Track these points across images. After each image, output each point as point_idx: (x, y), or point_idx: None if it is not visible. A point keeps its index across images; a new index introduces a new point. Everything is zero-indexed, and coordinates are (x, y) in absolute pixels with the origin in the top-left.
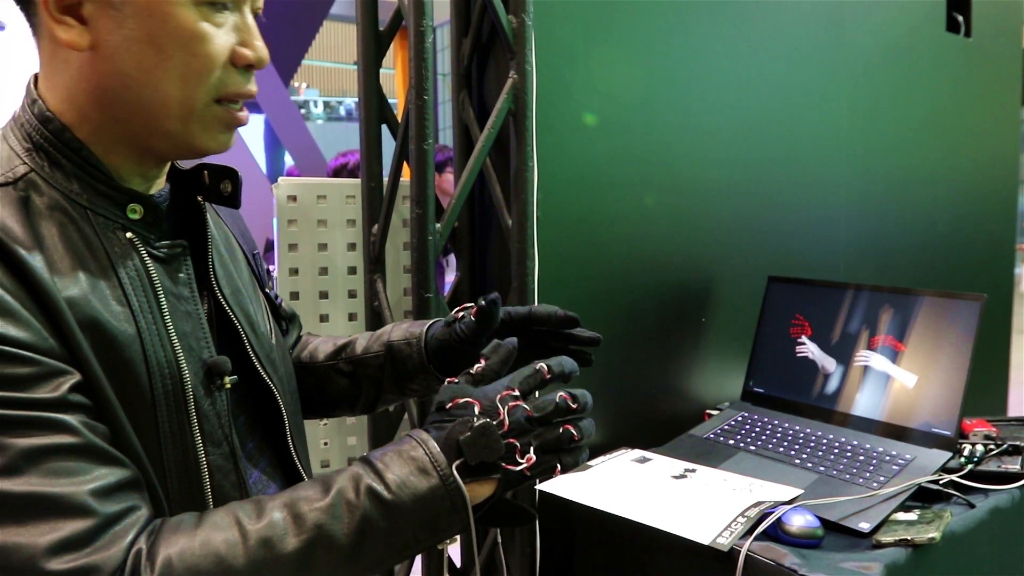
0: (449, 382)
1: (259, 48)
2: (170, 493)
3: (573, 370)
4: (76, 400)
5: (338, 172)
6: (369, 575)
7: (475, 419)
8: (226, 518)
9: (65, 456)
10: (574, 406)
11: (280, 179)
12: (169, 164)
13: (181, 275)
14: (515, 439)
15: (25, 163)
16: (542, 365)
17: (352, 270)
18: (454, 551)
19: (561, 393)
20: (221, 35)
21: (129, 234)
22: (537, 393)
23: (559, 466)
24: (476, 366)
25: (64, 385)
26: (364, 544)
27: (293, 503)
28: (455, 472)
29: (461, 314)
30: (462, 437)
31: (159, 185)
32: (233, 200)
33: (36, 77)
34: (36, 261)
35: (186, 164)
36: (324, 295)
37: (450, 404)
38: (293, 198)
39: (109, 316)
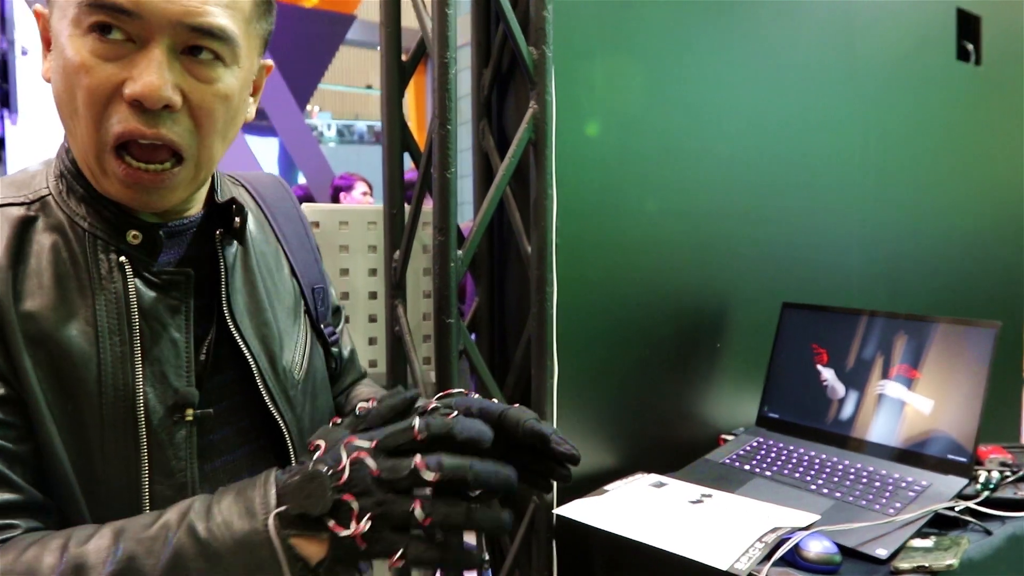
0: (333, 422)
1: (139, 81)
2: (108, 516)
3: (473, 437)
4: None
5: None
6: None
7: (311, 463)
8: (61, 539)
9: None
10: (429, 478)
11: (304, 205)
12: (205, 191)
13: (174, 302)
14: (352, 497)
15: (48, 187)
16: (416, 421)
17: (373, 295)
18: (472, 575)
19: (417, 458)
20: (108, 68)
21: (123, 258)
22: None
23: (401, 553)
24: (362, 405)
25: None
26: None
27: (122, 530)
28: (272, 519)
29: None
30: (288, 481)
31: (185, 212)
32: (239, 235)
33: None
34: None
35: (228, 192)
36: (345, 320)
37: (312, 446)
38: (316, 224)
39: (69, 333)
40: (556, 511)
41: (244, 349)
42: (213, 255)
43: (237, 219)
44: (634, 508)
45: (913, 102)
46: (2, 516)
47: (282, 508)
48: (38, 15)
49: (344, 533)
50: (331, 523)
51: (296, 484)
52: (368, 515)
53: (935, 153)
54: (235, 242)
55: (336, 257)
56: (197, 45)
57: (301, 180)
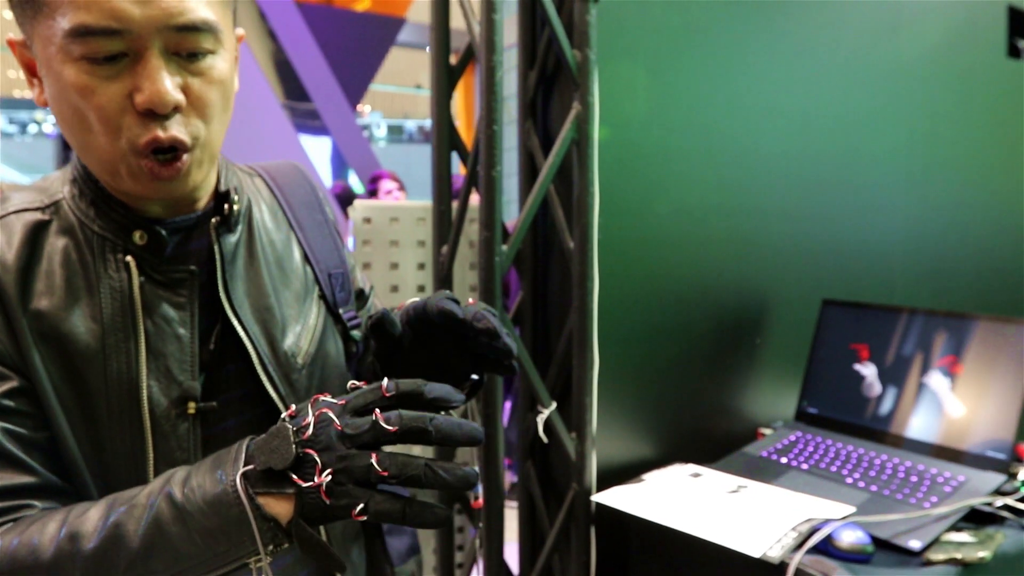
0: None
1: (146, 91)
2: None
3: (441, 396)
4: (5, 404)
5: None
6: None
7: (280, 422)
8: (64, 512)
9: None
10: (390, 429)
11: (356, 202)
12: (213, 183)
13: (180, 299)
14: (315, 451)
15: (62, 192)
16: (386, 382)
17: (421, 288)
18: (512, 559)
19: (377, 411)
20: (112, 87)
21: (129, 257)
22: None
23: (363, 507)
24: (352, 383)
25: None
26: (154, 549)
27: (115, 500)
28: (239, 478)
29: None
30: (257, 439)
31: (195, 205)
32: (233, 223)
33: None
34: (8, 278)
35: (225, 184)
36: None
37: (289, 411)
38: (368, 220)
39: (76, 330)
40: (594, 498)
41: (242, 334)
42: (212, 246)
43: (226, 206)
44: (671, 496)
45: (959, 99)
46: (21, 497)
47: (249, 467)
48: (12, 44)
49: (306, 484)
50: (293, 476)
51: (263, 441)
52: (330, 469)
53: (981, 151)
54: (237, 230)
55: (386, 251)
56: (191, 52)
57: (353, 178)
